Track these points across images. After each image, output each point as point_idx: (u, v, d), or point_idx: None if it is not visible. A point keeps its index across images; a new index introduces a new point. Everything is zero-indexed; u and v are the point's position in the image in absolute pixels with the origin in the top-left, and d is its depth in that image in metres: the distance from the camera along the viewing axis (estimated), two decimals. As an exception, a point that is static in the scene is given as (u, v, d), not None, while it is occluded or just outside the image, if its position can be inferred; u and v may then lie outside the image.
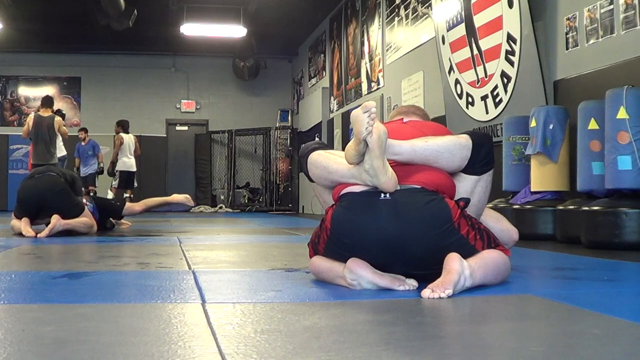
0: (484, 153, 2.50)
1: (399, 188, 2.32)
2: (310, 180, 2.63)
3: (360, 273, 2.27)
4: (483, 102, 6.79)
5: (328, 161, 2.48)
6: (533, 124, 5.18)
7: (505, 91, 6.35)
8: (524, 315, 1.99)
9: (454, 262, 2.18)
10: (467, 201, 2.42)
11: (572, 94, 5.41)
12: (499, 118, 6.37)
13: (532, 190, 5.26)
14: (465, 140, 2.47)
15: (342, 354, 1.40)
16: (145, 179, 14.91)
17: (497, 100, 6.52)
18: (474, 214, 2.51)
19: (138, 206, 6.35)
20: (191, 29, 12.85)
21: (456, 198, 2.45)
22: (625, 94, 4.18)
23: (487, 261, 2.31)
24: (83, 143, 12.12)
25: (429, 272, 2.29)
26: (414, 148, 2.41)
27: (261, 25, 13.08)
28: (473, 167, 2.49)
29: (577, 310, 1.97)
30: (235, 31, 13.04)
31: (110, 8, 11.02)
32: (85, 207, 5.61)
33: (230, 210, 14.61)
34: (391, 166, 2.32)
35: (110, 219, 6.22)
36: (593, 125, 4.53)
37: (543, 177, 5.17)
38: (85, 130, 12.36)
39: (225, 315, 1.87)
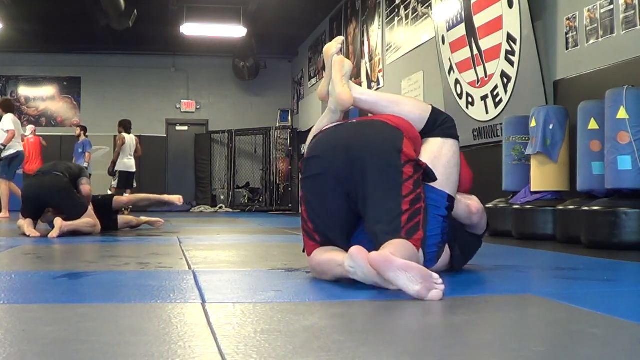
0: (443, 118, 2.69)
1: (363, 120, 2.67)
2: None
3: (359, 262, 2.25)
4: (483, 102, 6.79)
5: (317, 123, 2.77)
6: (533, 124, 5.18)
7: (505, 91, 6.35)
8: (524, 315, 1.99)
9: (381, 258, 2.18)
10: (431, 173, 2.50)
11: (572, 94, 5.41)
12: (499, 118, 6.37)
13: (532, 190, 5.26)
14: (427, 103, 2.76)
15: (342, 354, 1.40)
16: (145, 179, 14.89)
17: (497, 100, 6.52)
18: (444, 182, 2.55)
19: (126, 198, 6.43)
20: (191, 29, 12.85)
21: (423, 158, 2.54)
22: (625, 94, 4.18)
23: (399, 246, 2.28)
24: (78, 141, 12.16)
25: (362, 200, 2.39)
26: (377, 92, 2.78)
27: (261, 25, 13.07)
28: (434, 128, 2.63)
29: (577, 310, 1.97)
30: (235, 31, 13.04)
31: (110, 8, 11.02)
32: (90, 207, 5.65)
33: (230, 210, 14.61)
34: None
35: (117, 218, 6.22)
36: (593, 125, 4.53)
37: (543, 177, 5.17)
38: (81, 128, 12.35)
39: (225, 315, 1.87)
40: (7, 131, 9.32)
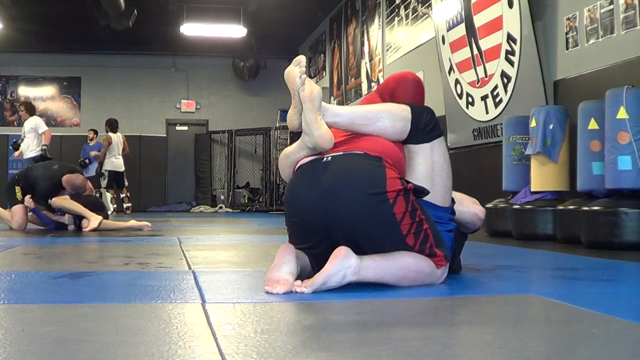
0: (426, 118, 2.50)
1: (341, 153, 2.37)
2: None
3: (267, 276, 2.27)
4: (483, 102, 6.79)
5: (285, 151, 2.58)
6: (533, 124, 5.18)
7: (505, 91, 6.35)
8: (524, 315, 1.99)
9: (336, 257, 2.16)
10: (420, 188, 2.37)
11: (572, 94, 5.41)
12: (499, 118, 6.37)
13: (532, 190, 5.26)
14: (404, 106, 2.53)
15: (342, 354, 1.40)
16: (146, 179, 14.91)
17: (497, 100, 6.52)
18: (440, 190, 2.48)
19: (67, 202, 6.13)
20: (191, 29, 12.85)
21: (417, 174, 2.44)
22: (625, 94, 4.18)
23: (392, 263, 2.25)
24: (91, 143, 12.14)
25: (359, 248, 2.23)
26: (353, 110, 2.50)
27: (261, 25, 13.07)
28: (419, 133, 2.48)
29: (577, 310, 1.97)
30: (235, 31, 13.03)
31: (110, 8, 11.02)
32: (17, 206, 6.33)
33: (230, 210, 14.60)
34: (339, 139, 2.42)
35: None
36: (593, 125, 4.53)
37: (543, 177, 5.17)
38: (94, 131, 12.36)
39: (225, 315, 1.87)
40: (44, 132, 9.37)
